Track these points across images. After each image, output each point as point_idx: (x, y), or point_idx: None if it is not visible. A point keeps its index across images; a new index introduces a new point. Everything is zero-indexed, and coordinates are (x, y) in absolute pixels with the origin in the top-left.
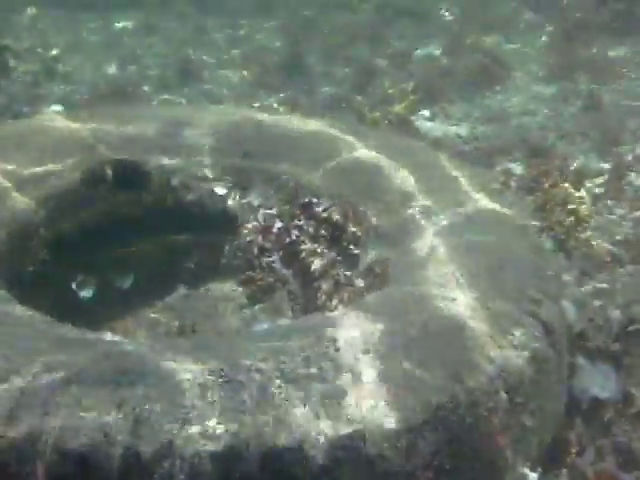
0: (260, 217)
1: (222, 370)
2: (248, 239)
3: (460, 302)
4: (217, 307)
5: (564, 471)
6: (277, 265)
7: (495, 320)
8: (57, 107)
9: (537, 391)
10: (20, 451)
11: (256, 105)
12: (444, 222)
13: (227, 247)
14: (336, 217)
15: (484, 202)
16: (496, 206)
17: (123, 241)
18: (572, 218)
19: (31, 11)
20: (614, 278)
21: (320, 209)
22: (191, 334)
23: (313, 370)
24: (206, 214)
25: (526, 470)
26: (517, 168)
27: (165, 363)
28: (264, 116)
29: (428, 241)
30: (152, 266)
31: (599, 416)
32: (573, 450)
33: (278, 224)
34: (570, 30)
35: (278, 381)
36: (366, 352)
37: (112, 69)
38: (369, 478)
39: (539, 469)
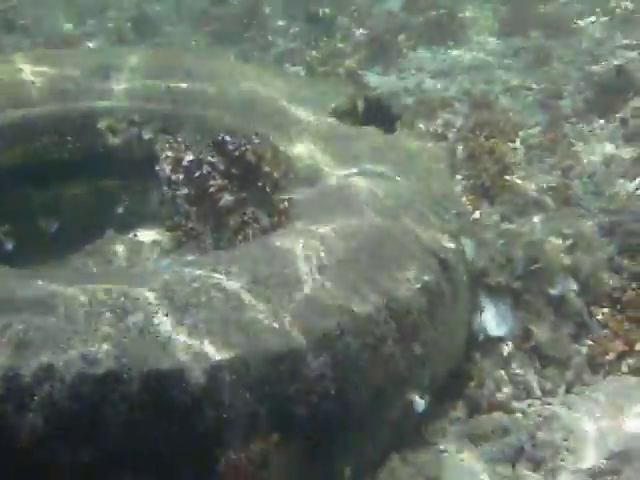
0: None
1: (108, 298)
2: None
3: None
4: (141, 252)
5: (460, 402)
6: (181, 200)
7: (389, 254)
8: None
9: (430, 323)
10: None
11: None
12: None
13: (154, 193)
14: (250, 157)
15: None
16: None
17: (51, 185)
18: (498, 166)
19: None
20: (529, 221)
21: (232, 147)
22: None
23: (202, 299)
24: (133, 159)
25: (415, 397)
26: (457, 120)
27: (53, 290)
28: (196, 61)
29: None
30: (80, 211)
31: (498, 350)
32: (471, 382)
33: (189, 157)
34: None
35: (165, 309)
36: (256, 282)
37: (70, 22)
38: (250, 401)
39: (427, 397)
